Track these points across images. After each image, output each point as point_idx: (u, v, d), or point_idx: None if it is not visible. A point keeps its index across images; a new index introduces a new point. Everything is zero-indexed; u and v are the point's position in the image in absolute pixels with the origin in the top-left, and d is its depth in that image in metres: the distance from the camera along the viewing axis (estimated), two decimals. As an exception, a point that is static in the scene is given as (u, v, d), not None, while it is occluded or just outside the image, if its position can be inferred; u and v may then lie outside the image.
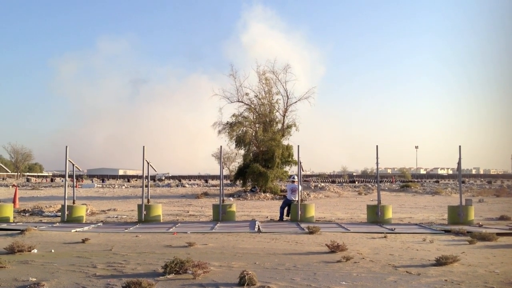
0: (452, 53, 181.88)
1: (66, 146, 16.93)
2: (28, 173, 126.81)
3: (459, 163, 17.14)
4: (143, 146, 17.42)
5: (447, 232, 13.50)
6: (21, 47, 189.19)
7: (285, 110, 39.01)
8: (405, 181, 68.72)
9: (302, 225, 14.92)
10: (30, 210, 20.87)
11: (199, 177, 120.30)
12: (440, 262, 8.16)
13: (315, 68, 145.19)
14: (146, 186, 18.23)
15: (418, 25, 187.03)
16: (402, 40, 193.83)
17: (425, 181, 67.11)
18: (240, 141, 37.37)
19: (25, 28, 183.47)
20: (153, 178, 75.21)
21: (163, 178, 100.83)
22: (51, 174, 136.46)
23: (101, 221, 17.10)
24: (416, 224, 15.96)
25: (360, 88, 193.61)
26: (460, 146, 17.16)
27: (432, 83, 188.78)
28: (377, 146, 18.15)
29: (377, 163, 18.12)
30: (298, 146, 18.99)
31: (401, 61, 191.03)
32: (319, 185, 47.20)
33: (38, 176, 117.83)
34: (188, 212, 22.04)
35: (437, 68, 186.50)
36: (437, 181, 70.30)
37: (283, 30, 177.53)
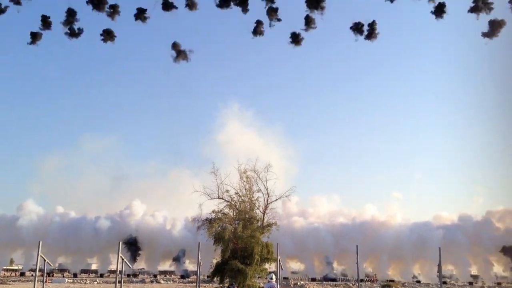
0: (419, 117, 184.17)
1: (39, 241, 16.58)
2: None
3: (439, 265, 17.08)
4: (119, 242, 17.08)
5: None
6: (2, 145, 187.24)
7: (265, 208, 39.01)
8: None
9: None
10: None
11: (175, 272, 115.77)
12: None
13: (290, 165, 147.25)
14: (119, 281, 17.57)
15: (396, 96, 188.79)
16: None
17: (406, 283, 65.84)
18: (219, 238, 36.74)
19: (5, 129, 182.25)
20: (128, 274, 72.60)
21: (138, 273, 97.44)
22: (21, 267, 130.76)
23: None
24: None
25: (330, 184, 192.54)
26: (439, 248, 17.27)
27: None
28: (357, 246, 18.27)
29: (357, 262, 18.03)
30: (278, 244, 18.86)
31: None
32: (298, 283, 46.03)
33: (8, 270, 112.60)
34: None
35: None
36: (418, 281, 69.27)
37: (258, 128, 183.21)
